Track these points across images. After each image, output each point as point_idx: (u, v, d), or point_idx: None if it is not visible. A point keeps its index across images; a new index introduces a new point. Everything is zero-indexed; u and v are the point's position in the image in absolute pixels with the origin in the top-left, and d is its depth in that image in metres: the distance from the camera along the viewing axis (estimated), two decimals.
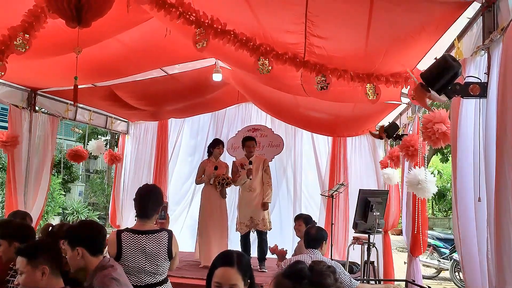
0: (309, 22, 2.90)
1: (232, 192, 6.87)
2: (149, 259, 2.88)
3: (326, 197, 6.53)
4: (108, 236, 2.94)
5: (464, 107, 2.38)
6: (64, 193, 13.27)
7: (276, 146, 7.51)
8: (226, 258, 2.03)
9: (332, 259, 4.36)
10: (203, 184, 6.27)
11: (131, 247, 2.87)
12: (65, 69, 3.99)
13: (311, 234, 3.63)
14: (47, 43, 3.47)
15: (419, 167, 3.82)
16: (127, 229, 2.97)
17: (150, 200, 3.00)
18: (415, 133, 4.14)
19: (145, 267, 2.87)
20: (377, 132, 4.41)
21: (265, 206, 6.00)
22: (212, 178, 6.00)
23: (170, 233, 3.00)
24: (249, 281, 2.03)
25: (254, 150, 6.11)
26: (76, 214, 13.03)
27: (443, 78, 2.07)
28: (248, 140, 6.14)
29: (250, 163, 5.95)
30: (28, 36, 3.11)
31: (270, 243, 5.49)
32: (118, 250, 2.85)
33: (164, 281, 2.99)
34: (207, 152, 6.35)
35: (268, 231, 6.06)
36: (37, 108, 5.62)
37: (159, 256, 2.90)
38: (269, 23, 3.20)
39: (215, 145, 6.23)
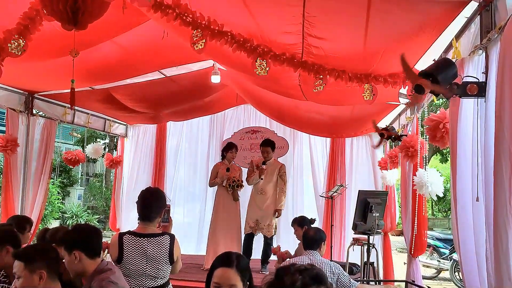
0: (306, 22, 2.89)
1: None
2: (150, 262, 2.87)
3: (325, 199, 6.52)
4: (110, 238, 2.93)
5: (463, 107, 2.37)
6: (61, 197, 13.22)
7: (280, 148, 7.48)
8: (225, 259, 2.05)
9: (331, 260, 4.34)
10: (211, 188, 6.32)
11: (132, 250, 2.86)
12: (62, 72, 3.97)
13: (309, 236, 3.62)
14: (43, 46, 3.45)
15: (423, 168, 3.79)
16: (129, 232, 2.96)
17: (153, 203, 2.99)
18: (414, 134, 4.13)
19: (146, 270, 2.86)
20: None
21: (278, 213, 5.99)
22: (225, 180, 6.03)
23: (172, 237, 2.99)
24: (248, 283, 2.04)
25: (267, 155, 6.05)
26: (76, 218, 12.99)
27: (446, 71, 2.08)
28: (262, 146, 6.15)
29: (264, 163, 5.99)
30: (23, 39, 3.09)
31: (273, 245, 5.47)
32: (120, 253, 2.85)
33: (165, 285, 2.98)
34: (221, 155, 6.39)
35: (272, 236, 6.03)
36: (34, 111, 5.60)
37: (160, 260, 2.89)
38: (266, 24, 3.19)
39: (229, 149, 6.26)
